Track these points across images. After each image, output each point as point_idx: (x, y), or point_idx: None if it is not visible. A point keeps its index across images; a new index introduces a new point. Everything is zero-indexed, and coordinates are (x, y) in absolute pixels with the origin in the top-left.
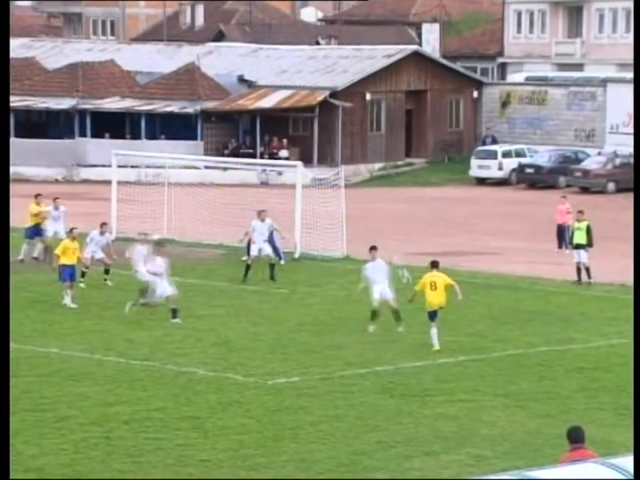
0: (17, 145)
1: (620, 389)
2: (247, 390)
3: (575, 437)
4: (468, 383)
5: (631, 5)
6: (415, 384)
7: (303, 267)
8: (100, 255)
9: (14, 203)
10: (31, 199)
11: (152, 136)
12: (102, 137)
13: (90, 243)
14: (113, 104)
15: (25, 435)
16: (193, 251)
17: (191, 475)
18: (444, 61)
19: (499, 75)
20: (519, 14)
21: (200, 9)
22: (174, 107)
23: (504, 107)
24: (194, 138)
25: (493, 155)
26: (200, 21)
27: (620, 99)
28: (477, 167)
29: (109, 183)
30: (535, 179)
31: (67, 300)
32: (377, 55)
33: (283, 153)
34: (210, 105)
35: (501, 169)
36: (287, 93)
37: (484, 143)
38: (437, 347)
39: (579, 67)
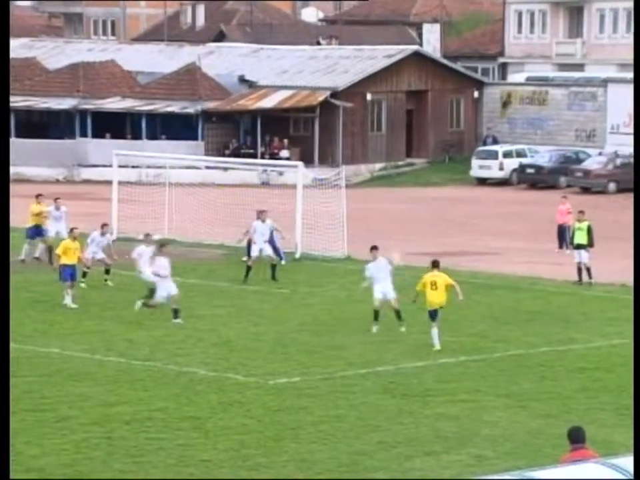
0: (18, 145)
1: (621, 389)
2: (248, 390)
3: (576, 437)
4: (469, 383)
5: (631, 4)
6: (416, 384)
7: (303, 267)
8: (101, 255)
9: (15, 203)
10: (32, 199)
11: (153, 136)
12: (103, 137)
13: (91, 244)
14: (113, 104)
15: (26, 435)
16: (194, 251)
17: (191, 475)
18: (445, 61)
19: (500, 75)
20: (520, 14)
21: (201, 9)
22: (175, 107)
23: (505, 107)
24: (195, 138)
25: (493, 155)
26: (201, 21)
27: (621, 99)
28: (478, 167)
29: (109, 183)
30: (535, 179)
31: (68, 300)
32: (377, 55)
33: (284, 153)
34: (211, 105)
35: (501, 169)
36: (288, 93)
37: (485, 143)
38: (437, 346)
39: (579, 67)
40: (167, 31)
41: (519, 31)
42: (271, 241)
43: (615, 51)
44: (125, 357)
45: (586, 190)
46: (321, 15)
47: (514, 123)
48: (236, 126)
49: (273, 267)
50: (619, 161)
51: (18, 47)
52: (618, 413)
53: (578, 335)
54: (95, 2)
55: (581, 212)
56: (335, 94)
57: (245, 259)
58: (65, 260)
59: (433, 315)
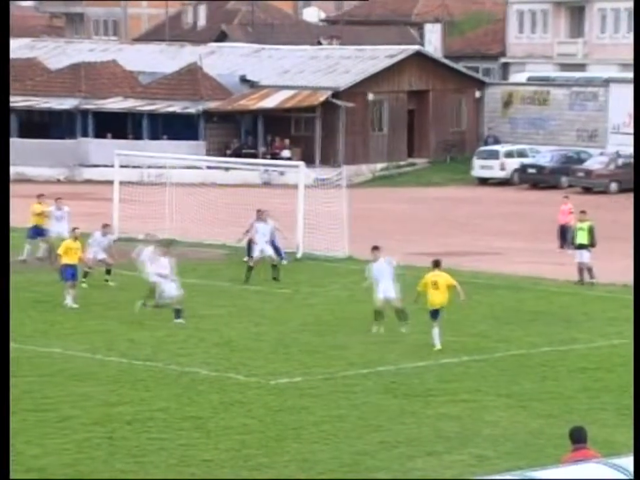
0: (19, 145)
1: (622, 389)
2: (250, 390)
3: (578, 437)
4: (470, 383)
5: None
6: (417, 384)
7: (305, 267)
8: (102, 255)
9: (17, 203)
10: (33, 199)
11: (154, 136)
12: (104, 137)
13: (92, 244)
14: (115, 104)
15: (28, 435)
16: (195, 251)
17: (193, 475)
18: (446, 61)
19: (501, 75)
20: (521, 14)
21: (202, 9)
22: (176, 107)
23: (506, 107)
24: (196, 138)
25: (495, 155)
26: (202, 21)
27: (622, 99)
28: (479, 167)
29: (111, 183)
30: (537, 179)
31: (68, 300)
32: (379, 55)
33: (285, 153)
34: (212, 105)
35: (503, 169)
36: (289, 93)
37: (486, 143)
38: (437, 346)
39: (581, 67)
40: (168, 31)
41: (521, 31)
42: (272, 241)
43: (617, 51)
44: (127, 357)
45: (588, 190)
46: (323, 15)
47: (515, 122)
48: (237, 126)
49: (275, 267)
50: (620, 161)
51: (19, 47)
52: (619, 413)
53: (579, 335)
54: (97, 2)
55: (583, 212)
56: (337, 94)
57: (245, 259)
58: (66, 260)
59: (434, 315)
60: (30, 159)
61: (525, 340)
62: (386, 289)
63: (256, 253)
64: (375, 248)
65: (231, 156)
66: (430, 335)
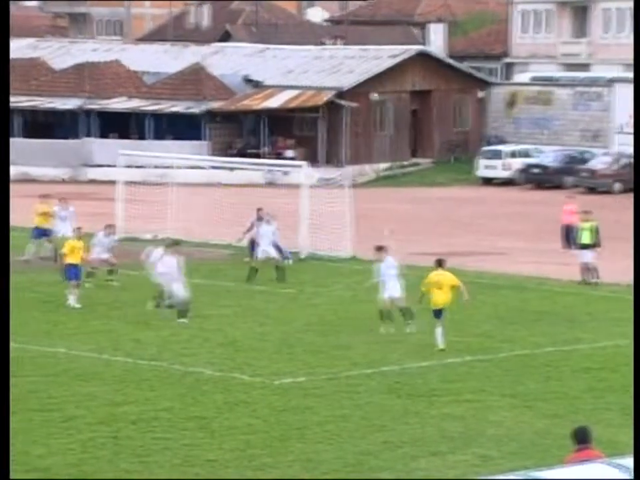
0: (23, 145)
1: (626, 389)
2: (254, 390)
3: (582, 437)
4: (474, 383)
5: None
6: (421, 384)
7: (309, 267)
8: (105, 255)
9: (21, 203)
10: (37, 198)
11: (158, 136)
12: (108, 137)
13: (96, 245)
14: (119, 104)
15: (32, 435)
16: (200, 251)
17: (197, 474)
18: (450, 61)
19: (505, 75)
20: (525, 14)
21: (206, 9)
22: (180, 107)
23: (510, 107)
24: (200, 138)
25: (499, 155)
26: (206, 21)
27: (626, 99)
28: (483, 167)
29: (115, 183)
30: (541, 179)
31: (71, 300)
32: (382, 55)
33: (289, 153)
34: (216, 105)
35: (507, 169)
36: (293, 93)
37: (490, 143)
38: (441, 346)
39: (585, 67)
40: (172, 31)
41: (524, 31)
42: (274, 242)
43: (621, 51)
44: (132, 357)
45: (591, 190)
46: (327, 15)
47: (519, 122)
48: (241, 126)
49: (278, 269)
50: (624, 161)
51: (23, 47)
52: (623, 413)
53: (584, 335)
54: (100, 2)
55: (587, 212)
56: (340, 94)
57: (247, 259)
58: (70, 259)
59: (438, 314)
60: (34, 159)
61: (529, 340)
62: (391, 289)
63: (259, 255)
64: (380, 248)
65: (234, 156)
66: (434, 335)
